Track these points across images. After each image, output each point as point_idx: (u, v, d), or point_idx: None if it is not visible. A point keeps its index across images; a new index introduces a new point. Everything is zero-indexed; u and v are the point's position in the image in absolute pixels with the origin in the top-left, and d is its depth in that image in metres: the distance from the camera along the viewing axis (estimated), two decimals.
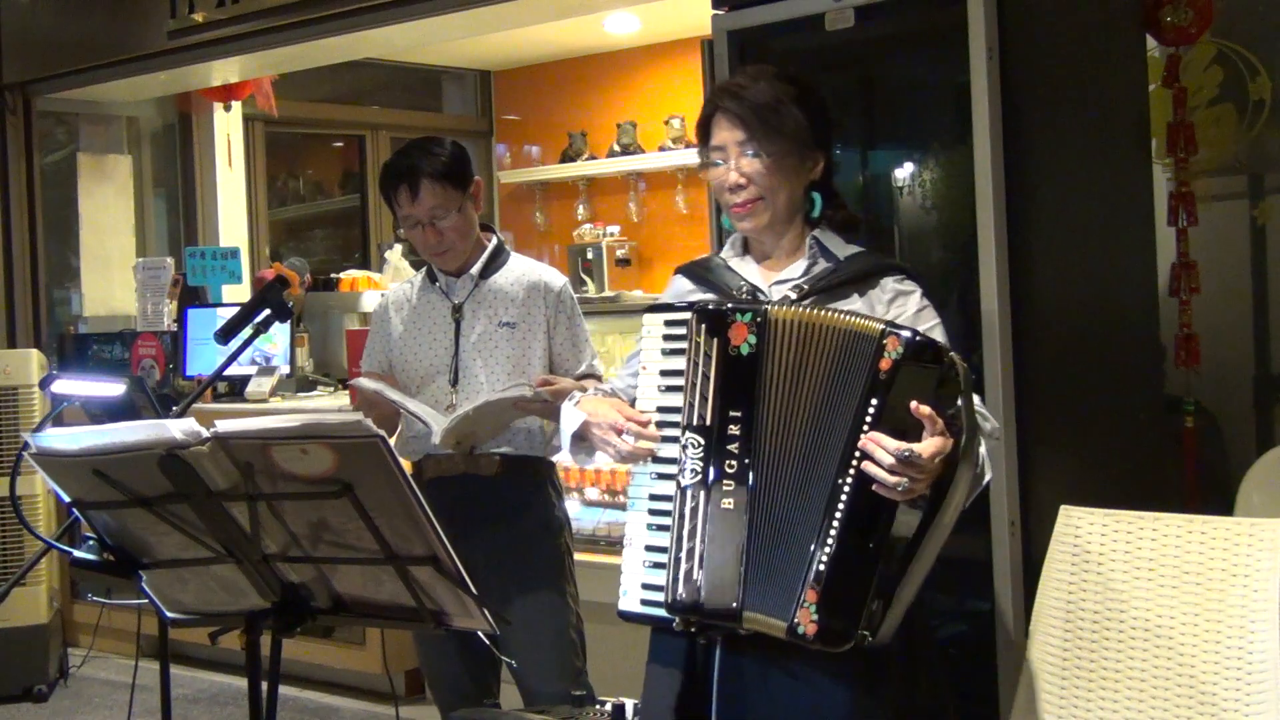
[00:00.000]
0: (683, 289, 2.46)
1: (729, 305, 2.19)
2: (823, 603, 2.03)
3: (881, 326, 2.05)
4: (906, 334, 2.03)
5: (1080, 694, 2.56)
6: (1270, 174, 4.06)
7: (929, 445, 1.97)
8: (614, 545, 4.41)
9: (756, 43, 3.36)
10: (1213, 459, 3.97)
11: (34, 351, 5.30)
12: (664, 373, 2.21)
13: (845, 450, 2.03)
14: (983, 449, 2.13)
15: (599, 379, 3.25)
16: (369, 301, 5.63)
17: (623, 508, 4.42)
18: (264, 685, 2.15)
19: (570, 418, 2.34)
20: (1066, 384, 3.13)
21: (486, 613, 2.04)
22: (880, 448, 1.98)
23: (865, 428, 2.01)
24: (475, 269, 3.19)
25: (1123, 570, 2.57)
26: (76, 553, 2.16)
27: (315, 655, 4.85)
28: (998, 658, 2.98)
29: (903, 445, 1.96)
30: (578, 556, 3.32)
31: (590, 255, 6.34)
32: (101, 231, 6.34)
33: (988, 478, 2.14)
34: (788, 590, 2.07)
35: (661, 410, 2.21)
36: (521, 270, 3.23)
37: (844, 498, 2.03)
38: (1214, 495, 3.73)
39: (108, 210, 6.37)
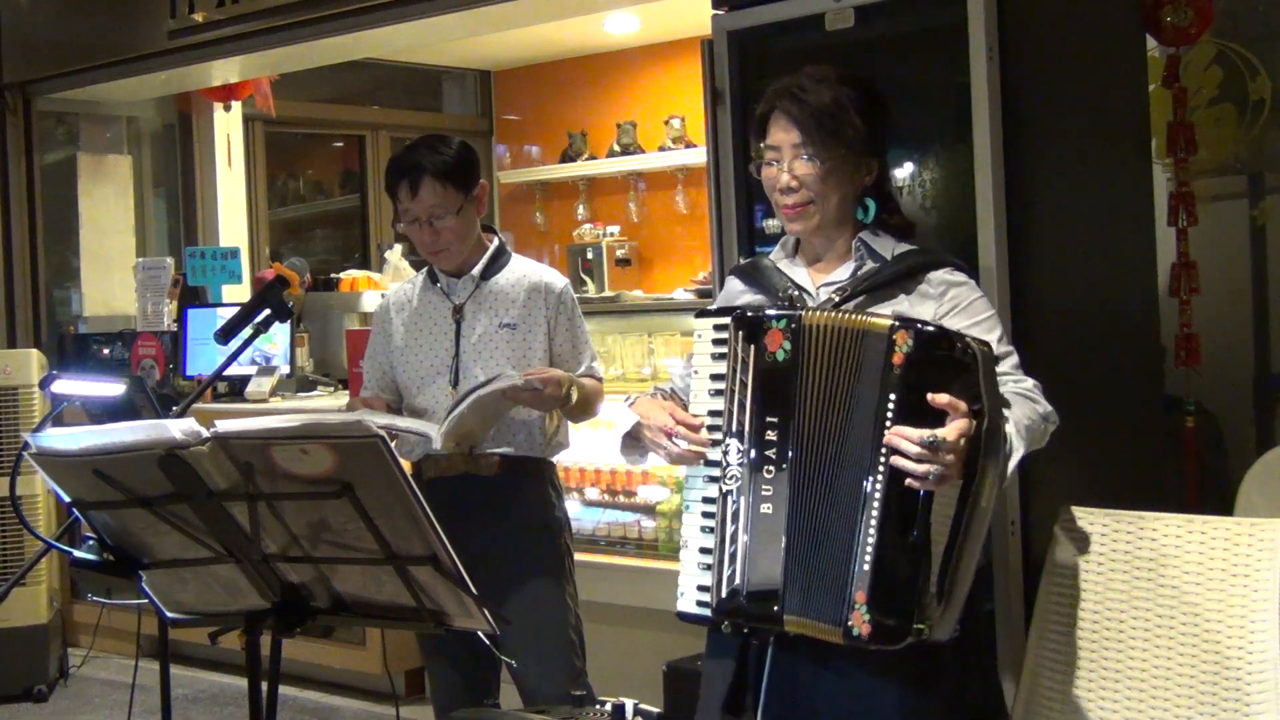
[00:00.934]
0: (734, 290, 2.47)
1: (765, 312, 2.19)
2: (873, 602, 2.04)
3: (890, 322, 2.06)
4: (915, 326, 2.04)
5: (1080, 694, 2.56)
6: (1270, 174, 4.06)
7: (952, 429, 1.98)
8: (614, 545, 4.42)
9: (756, 43, 3.36)
10: (1213, 459, 3.97)
11: (34, 351, 5.30)
12: (713, 376, 2.23)
13: (873, 449, 2.05)
14: (1010, 427, 2.13)
15: (598, 380, 3.25)
16: (369, 301, 5.63)
17: (623, 509, 4.44)
18: (264, 685, 2.15)
19: (623, 418, 2.35)
20: (1066, 384, 3.12)
21: (486, 612, 2.04)
22: (905, 439, 1.99)
23: (888, 424, 2.03)
24: (476, 270, 3.19)
25: (1123, 570, 2.57)
26: (76, 553, 2.16)
27: (315, 655, 4.85)
28: (998, 658, 2.98)
29: (926, 432, 1.97)
30: (578, 556, 3.32)
31: (590, 255, 6.34)
32: (101, 231, 6.34)
33: (1020, 453, 2.14)
34: (835, 594, 2.07)
35: (711, 414, 2.23)
36: (522, 271, 3.23)
37: (878, 495, 2.04)
38: (1214, 495, 3.73)
39: (108, 210, 6.37)
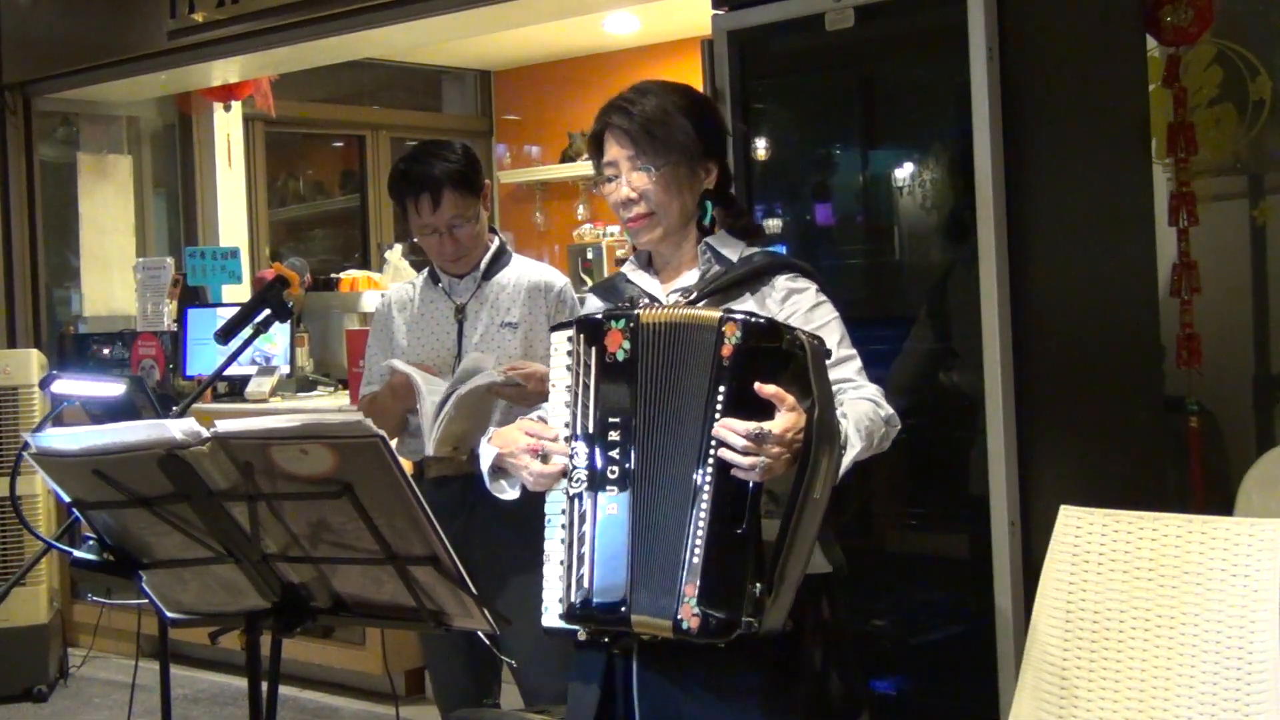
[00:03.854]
0: (593, 307, 2.48)
1: (603, 314, 2.20)
2: (702, 595, 2.03)
3: (719, 314, 2.08)
4: (742, 317, 2.06)
5: (1080, 694, 2.56)
6: (1270, 174, 4.05)
7: (779, 422, 1.99)
8: None
9: (756, 43, 3.36)
10: (1213, 459, 3.97)
11: (34, 351, 5.30)
12: (567, 388, 2.22)
13: (702, 441, 2.05)
14: (847, 422, 2.15)
15: None
16: (369, 301, 5.62)
17: None
18: (264, 685, 2.15)
19: (485, 454, 2.33)
20: (1066, 384, 3.13)
21: (486, 612, 2.04)
22: (731, 432, 2.00)
23: (717, 415, 2.04)
24: (479, 269, 3.19)
25: (1123, 570, 2.57)
26: (76, 553, 2.16)
27: (315, 655, 4.85)
28: (998, 658, 2.98)
29: (753, 426, 1.98)
30: None
31: (590, 255, 6.34)
32: (101, 231, 6.34)
33: (856, 448, 2.15)
34: (669, 588, 2.07)
35: (568, 425, 2.21)
36: (523, 270, 3.23)
37: (707, 488, 2.04)
38: (1214, 495, 3.74)
39: (108, 210, 6.37)
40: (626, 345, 2.14)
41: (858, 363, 2.32)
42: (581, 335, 2.18)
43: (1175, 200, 3.84)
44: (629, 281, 2.44)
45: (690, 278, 2.37)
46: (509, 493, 2.34)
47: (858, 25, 3.14)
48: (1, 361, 5.10)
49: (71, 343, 6.01)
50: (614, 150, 2.36)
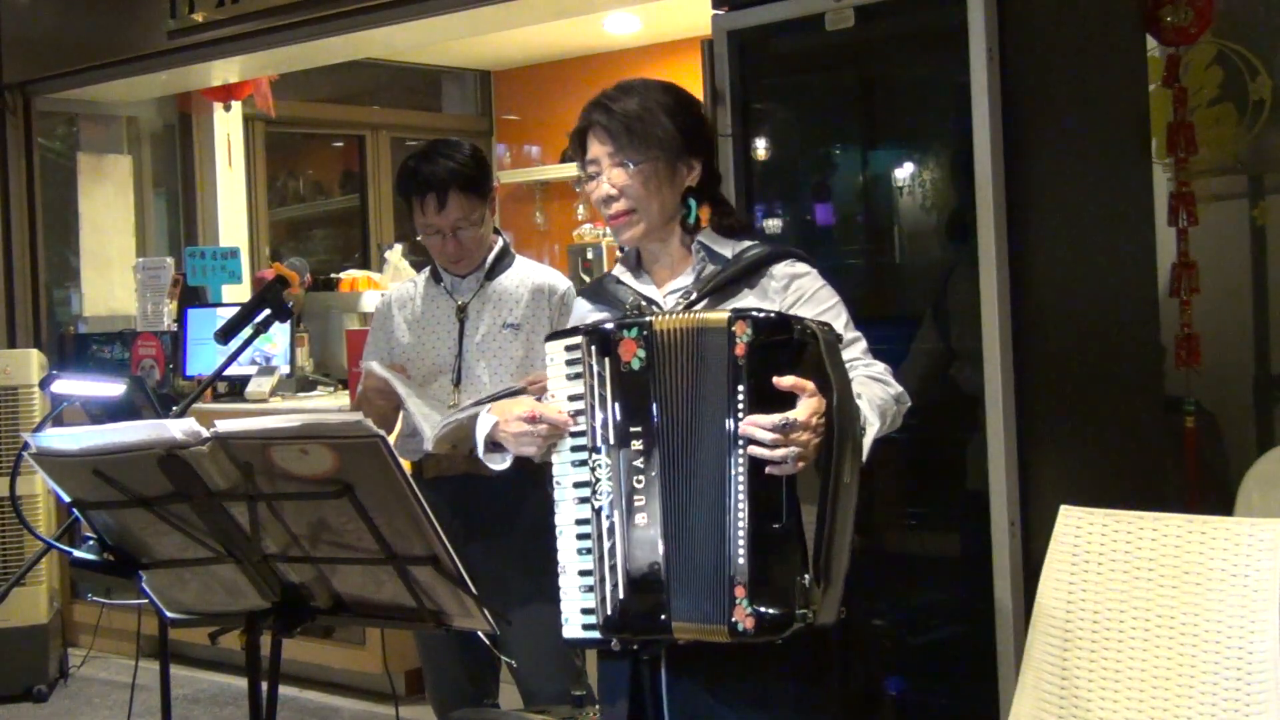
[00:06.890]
0: (583, 311, 2.47)
1: (614, 323, 2.19)
2: (753, 595, 2.03)
3: (728, 315, 2.08)
4: (752, 314, 2.07)
5: (1080, 694, 2.56)
6: (1270, 174, 4.05)
7: (803, 409, 2.00)
8: None
9: (756, 43, 3.36)
10: (1213, 459, 3.97)
11: (34, 351, 5.30)
12: (570, 397, 2.21)
13: (729, 442, 2.06)
14: (863, 403, 2.16)
15: None
16: (369, 301, 5.63)
17: None
18: (264, 685, 2.15)
19: (483, 424, 2.35)
20: (1066, 384, 3.13)
21: (486, 612, 2.04)
22: (757, 427, 2.00)
23: (740, 415, 2.04)
24: (482, 269, 3.19)
25: (1123, 570, 2.57)
26: (76, 553, 2.16)
27: (315, 655, 4.85)
28: (998, 658, 2.98)
29: (778, 417, 1.99)
30: None
31: (590, 255, 6.34)
32: (101, 231, 6.34)
33: (875, 427, 2.17)
34: (716, 594, 2.07)
35: (573, 435, 2.21)
36: (526, 272, 3.23)
37: (741, 488, 2.04)
38: (1214, 495, 3.73)
39: (108, 210, 6.37)
40: (641, 354, 2.13)
41: (864, 343, 2.34)
42: (593, 346, 2.16)
43: (1175, 200, 3.84)
44: (620, 283, 2.43)
45: (686, 277, 2.37)
46: (500, 464, 2.37)
47: (858, 25, 3.14)
48: (1, 361, 5.10)
49: (71, 343, 6.01)
50: (595, 148, 2.35)
